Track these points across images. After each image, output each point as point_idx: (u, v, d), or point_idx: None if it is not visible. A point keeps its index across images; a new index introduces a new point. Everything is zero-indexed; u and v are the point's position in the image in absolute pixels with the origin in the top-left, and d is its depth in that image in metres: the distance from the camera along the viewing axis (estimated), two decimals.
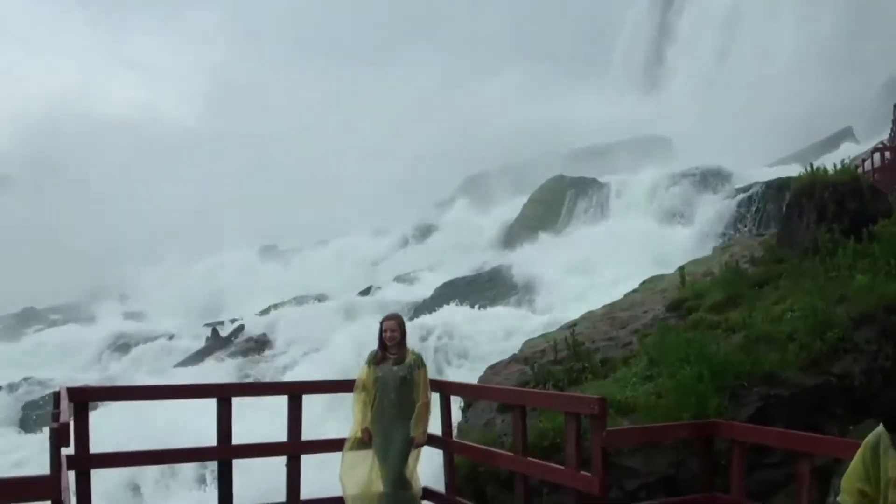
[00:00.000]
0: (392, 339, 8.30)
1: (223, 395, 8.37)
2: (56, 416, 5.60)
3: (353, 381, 8.46)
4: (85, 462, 7.33)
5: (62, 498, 4.89)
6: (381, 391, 8.25)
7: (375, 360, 8.37)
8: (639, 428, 7.64)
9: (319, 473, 8.99)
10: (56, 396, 7.37)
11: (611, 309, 15.18)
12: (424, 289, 29.58)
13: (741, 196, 27.64)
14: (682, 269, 15.32)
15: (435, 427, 8.73)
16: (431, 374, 16.51)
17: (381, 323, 8.49)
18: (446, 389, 8.92)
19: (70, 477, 5.98)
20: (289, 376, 20.64)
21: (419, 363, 8.40)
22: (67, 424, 5.67)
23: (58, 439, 5.16)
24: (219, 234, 53.23)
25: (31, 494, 4.94)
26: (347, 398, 8.67)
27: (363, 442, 8.26)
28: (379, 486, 8.16)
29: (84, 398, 7.66)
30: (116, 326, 36.90)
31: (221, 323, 30.67)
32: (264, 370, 22.50)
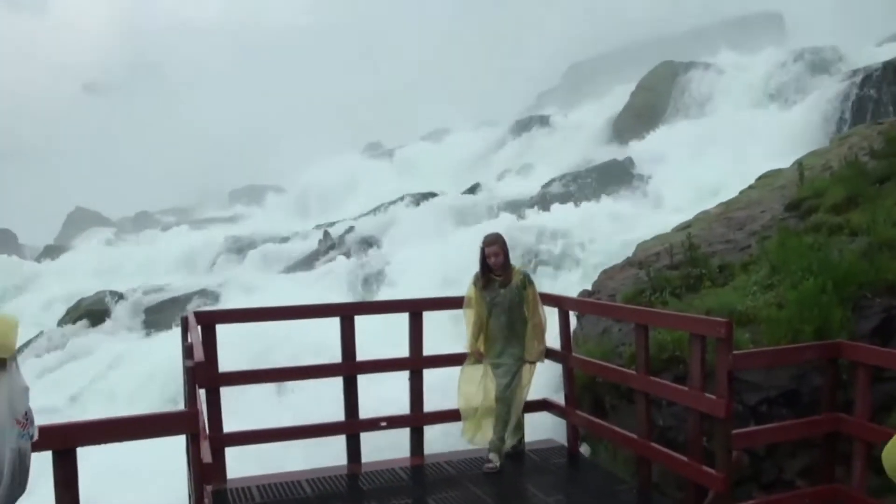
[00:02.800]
0: (497, 264, 8.24)
1: (345, 313, 8.54)
2: (189, 351, 5.78)
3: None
4: (214, 381, 7.69)
5: (198, 430, 5.11)
6: (490, 314, 8.28)
7: (481, 284, 8.34)
8: (764, 351, 7.50)
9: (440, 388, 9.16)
10: (184, 322, 7.65)
11: (726, 208, 14.81)
12: (532, 184, 29.28)
13: (857, 78, 26.38)
14: (799, 163, 14.79)
15: (553, 340, 8.77)
16: (545, 275, 16.58)
17: (483, 248, 8.33)
18: (564, 304, 8.89)
19: (201, 395, 6.23)
20: (400, 279, 20.85)
21: (527, 282, 8.34)
22: (203, 364, 5.89)
23: (193, 377, 5.35)
24: (325, 131, 53.50)
25: (171, 429, 5.18)
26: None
27: (477, 360, 8.40)
28: (492, 402, 8.29)
29: (210, 321, 7.97)
30: (228, 229, 37.74)
31: (332, 224, 30.98)
32: (375, 273, 22.72)
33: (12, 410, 3.21)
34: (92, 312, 24.91)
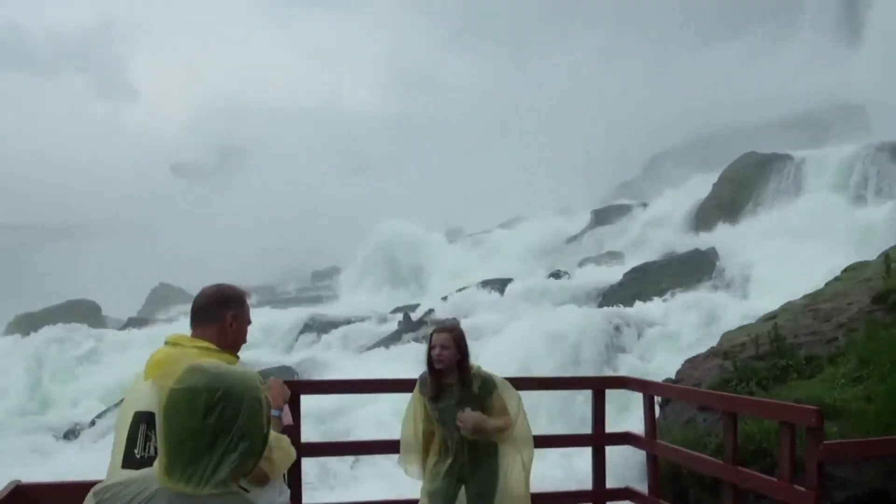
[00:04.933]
0: (441, 360, 6.21)
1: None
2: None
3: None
4: (302, 451, 7.81)
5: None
6: (440, 434, 6.42)
7: (429, 392, 6.40)
8: (856, 442, 7.38)
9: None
10: None
11: (812, 299, 14.67)
12: (613, 273, 29.24)
13: None
14: (886, 255, 14.61)
15: (638, 427, 8.71)
16: (626, 364, 16.48)
17: (430, 336, 6.51)
18: (648, 389, 8.86)
19: None
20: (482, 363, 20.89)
21: (490, 388, 6.28)
22: (291, 427, 5.99)
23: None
24: (405, 216, 54.05)
25: None
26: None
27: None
28: None
29: (296, 391, 8.13)
30: (310, 309, 38.21)
31: (412, 308, 31.24)
32: None
33: None
34: None
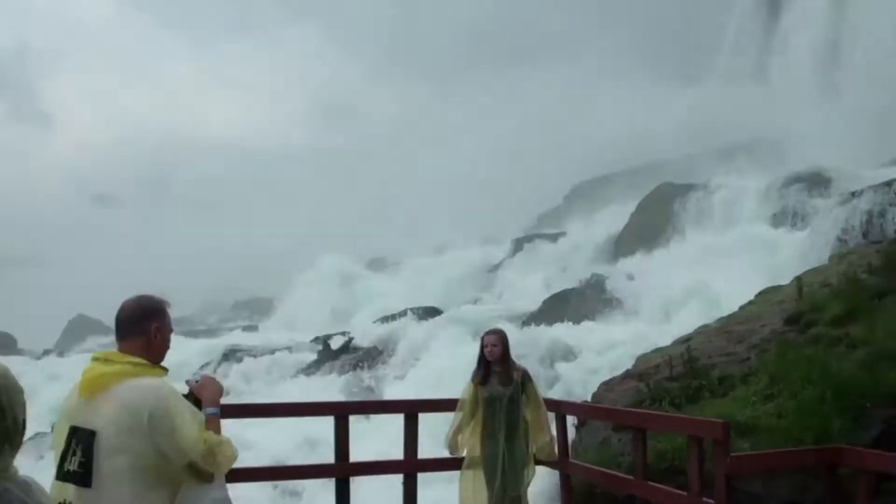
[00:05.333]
0: (493, 355, 8.04)
1: (340, 412, 8.48)
2: None
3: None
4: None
5: None
6: (488, 412, 8.06)
7: (479, 378, 8.15)
8: (763, 454, 7.44)
9: (435, 492, 9.04)
10: None
11: (727, 322, 14.87)
12: (531, 302, 29.38)
13: (855, 200, 26.74)
14: (798, 279, 14.92)
15: None
16: (543, 387, 16.46)
17: (482, 338, 8.28)
18: (561, 409, 8.85)
19: None
20: (399, 389, 20.76)
21: (526, 378, 8.16)
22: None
23: None
24: (324, 247, 53.82)
25: None
26: None
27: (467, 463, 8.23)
28: None
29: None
30: (228, 339, 37.66)
31: (330, 336, 30.95)
32: (374, 383, 22.71)
33: None
34: None
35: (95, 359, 3.96)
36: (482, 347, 8.16)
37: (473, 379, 8.22)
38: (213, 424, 4.04)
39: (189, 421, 3.83)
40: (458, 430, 8.20)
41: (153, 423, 3.72)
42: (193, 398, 4.17)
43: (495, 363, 8.07)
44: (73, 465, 3.75)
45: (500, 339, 8.13)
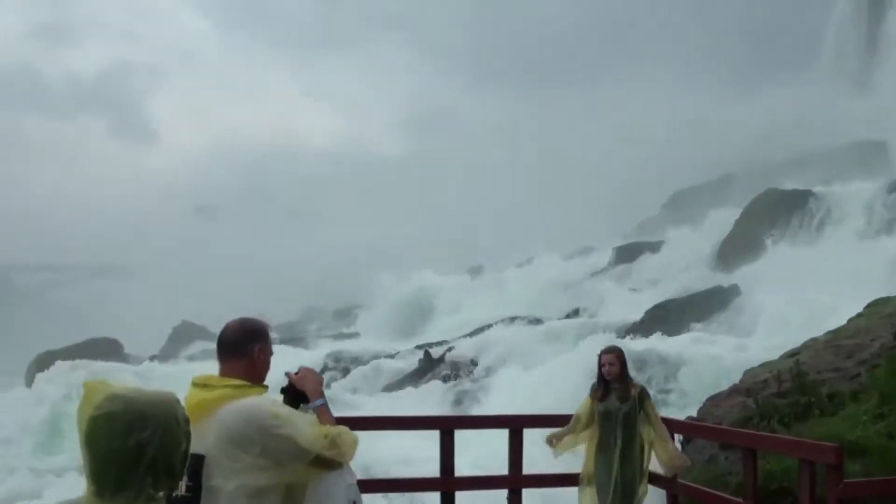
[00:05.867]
0: (610, 374, 8.13)
1: (446, 427, 8.59)
2: None
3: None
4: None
5: None
6: (604, 428, 8.14)
7: (598, 395, 8.26)
8: (878, 480, 7.28)
9: None
10: None
11: (834, 336, 14.51)
12: (633, 312, 29.08)
13: None
14: None
15: (655, 465, 8.63)
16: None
17: (599, 356, 8.32)
18: (670, 426, 8.78)
19: None
20: (497, 400, 20.81)
21: (644, 395, 8.25)
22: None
23: None
24: (421, 256, 54.14)
25: None
26: None
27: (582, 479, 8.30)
28: None
29: None
30: (332, 347, 38.19)
31: (431, 345, 31.18)
32: (474, 393, 22.80)
33: (348, 496, 4.15)
34: None
35: (195, 384, 4.03)
36: (600, 366, 8.27)
37: (592, 395, 8.35)
38: (324, 415, 4.14)
39: (301, 424, 3.92)
40: (567, 432, 8.36)
41: (265, 440, 3.81)
42: (294, 391, 4.27)
43: (613, 381, 8.18)
44: (181, 489, 3.72)
45: (618, 357, 8.25)
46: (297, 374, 4.34)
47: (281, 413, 3.95)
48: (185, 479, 3.71)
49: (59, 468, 22.77)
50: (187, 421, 2.70)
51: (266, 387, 4.13)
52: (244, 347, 4.11)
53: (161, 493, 2.58)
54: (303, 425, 3.92)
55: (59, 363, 33.89)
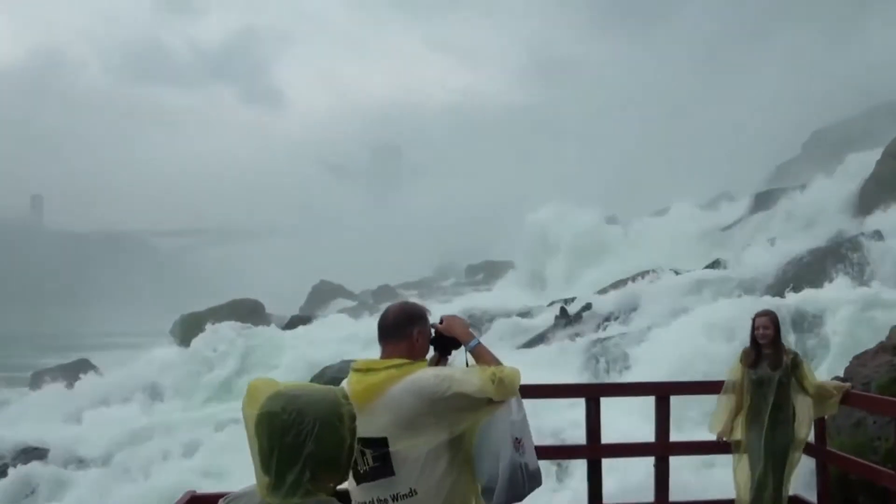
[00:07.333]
0: (765, 337, 8.07)
1: (592, 394, 8.76)
2: None
3: (723, 381, 8.49)
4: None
5: None
6: (756, 395, 8.11)
7: (749, 360, 8.21)
8: None
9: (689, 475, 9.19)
10: None
11: None
12: (771, 263, 28.33)
13: None
14: None
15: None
16: None
17: (753, 320, 8.30)
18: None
19: None
20: (639, 363, 20.70)
21: (798, 360, 8.16)
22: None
23: None
24: (560, 205, 53.40)
25: None
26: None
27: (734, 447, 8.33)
28: (748, 496, 8.13)
29: None
30: (467, 303, 38.45)
31: (568, 300, 31.04)
32: (613, 351, 22.68)
33: (512, 432, 4.29)
34: (336, 380, 25.89)
35: (356, 370, 4.30)
36: (753, 329, 8.21)
37: (743, 360, 8.30)
38: (484, 353, 4.40)
39: (466, 377, 4.16)
40: (731, 413, 8.31)
41: (438, 408, 4.08)
42: (444, 339, 4.52)
43: (766, 345, 8.12)
44: (367, 464, 4.14)
45: (772, 321, 8.18)
46: (441, 323, 4.56)
47: (442, 374, 4.20)
48: (367, 455, 4.12)
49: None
50: (353, 417, 2.82)
51: (426, 360, 4.40)
52: (404, 330, 4.36)
53: (326, 486, 2.78)
54: (468, 377, 4.15)
55: (219, 324, 35.07)
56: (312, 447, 2.70)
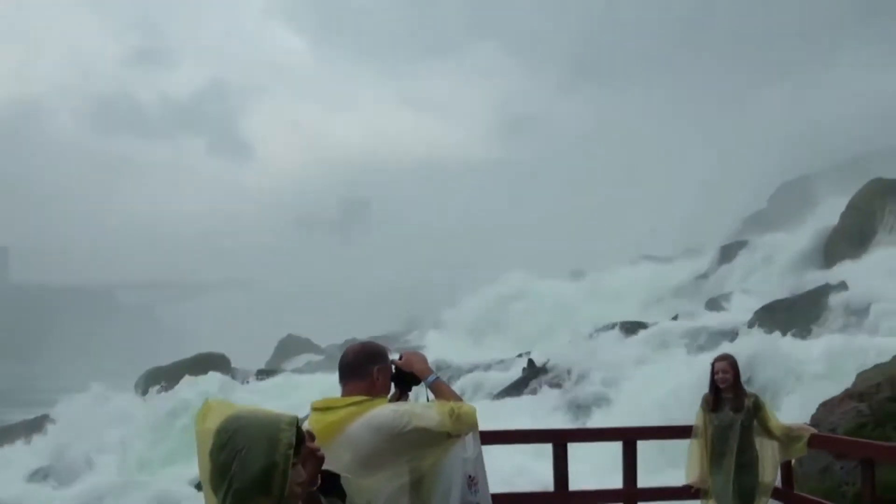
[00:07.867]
0: (724, 381, 7.99)
1: (559, 440, 8.68)
2: None
3: (689, 427, 8.41)
4: None
5: None
6: (719, 440, 8.02)
7: (710, 405, 8.13)
8: None
9: None
10: None
11: None
12: (739, 314, 28.54)
13: None
14: None
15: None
16: None
17: (712, 364, 8.20)
18: None
19: None
20: (607, 410, 20.72)
21: (759, 405, 8.07)
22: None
23: None
24: (525, 257, 53.88)
25: None
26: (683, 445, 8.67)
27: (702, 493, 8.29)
28: None
29: None
30: (434, 355, 38.25)
31: (530, 352, 30.87)
32: (581, 401, 22.65)
33: (465, 470, 4.17)
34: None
35: (316, 409, 4.23)
36: (712, 374, 8.15)
37: (704, 405, 8.26)
38: (442, 388, 4.37)
39: (425, 411, 4.12)
40: (704, 460, 8.19)
41: (397, 444, 4.03)
42: (403, 375, 4.45)
43: (726, 390, 8.07)
44: None
45: (731, 364, 8.11)
46: (400, 359, 4.51)
47: (401, 409, 4.15)
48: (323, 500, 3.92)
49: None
50: (290, 445, 2.74)
51: (386, 398, 4.32)
52: (364, 369, 4.30)
53: None
54: (427, 412, 4.11)
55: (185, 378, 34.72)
56: (237, 468, 2.67)
